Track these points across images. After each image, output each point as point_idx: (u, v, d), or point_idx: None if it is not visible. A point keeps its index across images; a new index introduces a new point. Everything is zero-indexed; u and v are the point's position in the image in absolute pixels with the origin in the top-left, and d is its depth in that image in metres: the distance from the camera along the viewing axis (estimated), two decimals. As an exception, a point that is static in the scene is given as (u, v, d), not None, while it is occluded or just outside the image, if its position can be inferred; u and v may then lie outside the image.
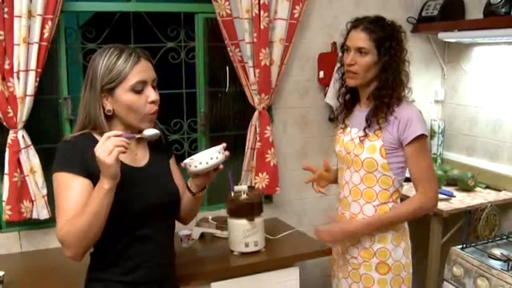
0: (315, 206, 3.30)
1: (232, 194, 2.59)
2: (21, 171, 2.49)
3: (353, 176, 2.03)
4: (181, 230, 2.71)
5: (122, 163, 1.62)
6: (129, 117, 1.66)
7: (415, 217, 2.01)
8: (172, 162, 1.95)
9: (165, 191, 1.78)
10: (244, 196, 2.56)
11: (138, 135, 1.64)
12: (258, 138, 2.94)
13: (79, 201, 1.55)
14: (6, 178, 2.46)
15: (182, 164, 1.76)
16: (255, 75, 2.87)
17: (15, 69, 2.42)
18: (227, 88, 3.06)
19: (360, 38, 1.95)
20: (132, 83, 1.62)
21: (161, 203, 1.73)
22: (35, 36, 2.43)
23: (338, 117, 2.23)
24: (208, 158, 1.65)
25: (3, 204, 2.48)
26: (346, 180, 2.09)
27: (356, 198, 2.03)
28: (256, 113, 2.94)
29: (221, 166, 1.73)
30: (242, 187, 2.65)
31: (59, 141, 1.72)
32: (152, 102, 1.66)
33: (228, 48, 2.85)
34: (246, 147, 2.99)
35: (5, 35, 2.41)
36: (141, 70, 1.64)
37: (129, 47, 1.68)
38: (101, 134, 1.63)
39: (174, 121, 3.09)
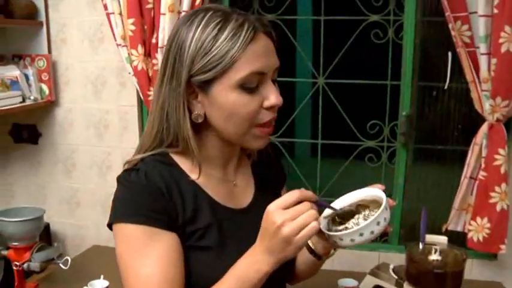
0: None
1: (420, 247, 1.71)
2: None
3: None
4: (343, 278, 1.98)
5: (211, 200, 1.07)
6: (228, 128, 1.01)
7: None
8: (284, 192, 1.28)
9: None
10: (435, 257, 1.63)
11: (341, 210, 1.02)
12: (482, 165, 1.94)
13: (168, 271, 0.97)
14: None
15: (326, 235, 1.00)
16: (489, 68, 1.85)
17: (160, 44, 1.98)
18: (447, 84, 2.09)
19: None
20: (243, 76, 0.95)
21: None
22: (185, 4, 1.94)
23: None
24: (373, 224, 0.94)
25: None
26: None
27: None
28: (484, 126, 1.93)
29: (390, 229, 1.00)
30: (438, 239, 1.71)
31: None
32: (271, 107, 1.00)
33: (450, 25, 1.89)
34: (463, 174, 2.01)
35: (154, 3, 1.98)
36: (260, 53, 0.97)
37: (238, 12, 1.00)
38: (184, 154, 1.03)
39: (371, 123, 2.29)
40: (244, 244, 1.03)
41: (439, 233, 1.95)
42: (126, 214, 0.99)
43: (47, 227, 2.41)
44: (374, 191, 1.04)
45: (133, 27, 1.99)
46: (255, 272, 0.93)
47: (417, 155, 2.23)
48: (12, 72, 2.19)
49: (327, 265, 2.21)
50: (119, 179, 1.03)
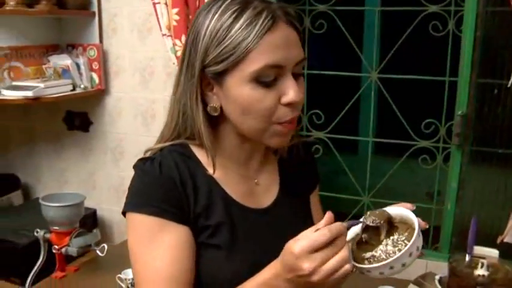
0: None
1: (466, 260, 1.57)
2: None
3: None
4: (384, 285, 1.86)
5: (227, 197, 1.00)
6: (244, 123, 0.94)
7: None
8: (314, 198, 1.17)
9: None
10: (481, 272, 1.50)
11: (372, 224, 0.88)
12: (546, 172, 1.75)
13: (176, 264, 0.94)
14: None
15: (352, 266, 0.86)
16: (558, 64, 1.66)
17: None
18: (510, 81, 1.89)
19: None
20: (257, 68, 0.88)
21: None
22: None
23: None
24: (406, 256, 0.82)
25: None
26: None
27: None
28: (550, 129, 1.74)
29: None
30: (488, 252, 1.59)
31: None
32: (289, 104, 0.92)
33: (515, 16, 1.72)
34: (524, 181, 1.83)
35: (201, -7, 1.95)
36: (277, 44, 0.89)
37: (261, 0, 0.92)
38: (203, 147, 0.98)
39: (426, 121, 2.14)
40: (257, 247, 0.96)
41: (494, 245, 1.78)
42: (137, 204, 0.95)
43: (94, 213, 2.47)
44: (403, 211, 0.90)
45: (177, 17, 1.96)
46: None
47: (474, 157, 2.05)
48: (64, 61, 2.25)
49: (370, 270, 2.13)
50: (135, 168, 1.00)
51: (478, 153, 2.05)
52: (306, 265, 0.79)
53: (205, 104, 0.96)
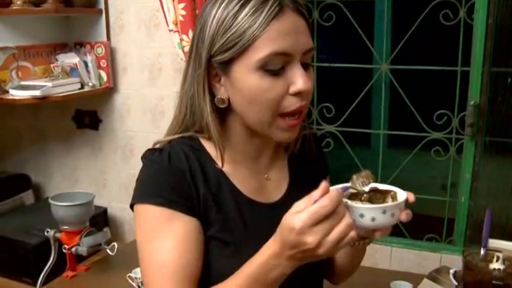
0: None
1: (481, 253, 1.54)
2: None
3: None
4: (397, 280, 1.83)
5: (237, 191, 1.00)
6: (250, 114, 0.93)
7: None
8: None
9: None
10: (497, 265, 1.47)
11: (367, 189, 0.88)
12: None
13: (183, 257, 0.92)
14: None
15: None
16: None
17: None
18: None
19: None
20: (263, 56, 0.87)
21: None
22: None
23: None
24: (378, 211, 0.82)
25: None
26: None
27: None
28: None
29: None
30: (505, 245, 1.56)
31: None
32: (298, 93, 0.90)
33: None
34: (540, 172, 1.78)
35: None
36: (285, 32, 0.88)
37: None
38: (210, 139, 0.97)
39: (438, 112, 2.10)
40: (266, 242, 0.95)
41: (510, 238, 1.74)
42: (145, 195, 0.94)
43: (105, 211, 2.46)
44: (394, 188, 0.90)
45: (184, 12, 1.94)
46: (278, 275, 0.85)
47: (488, 148, 2.00)
48: (71, 59, 2.24)
49: (383, 264, 2.10)
50: (142, 159, 0.99)
51: (492, 144, 2.00)
52: (310, 239, 0.77)
53: (213, 95, 0.95)
